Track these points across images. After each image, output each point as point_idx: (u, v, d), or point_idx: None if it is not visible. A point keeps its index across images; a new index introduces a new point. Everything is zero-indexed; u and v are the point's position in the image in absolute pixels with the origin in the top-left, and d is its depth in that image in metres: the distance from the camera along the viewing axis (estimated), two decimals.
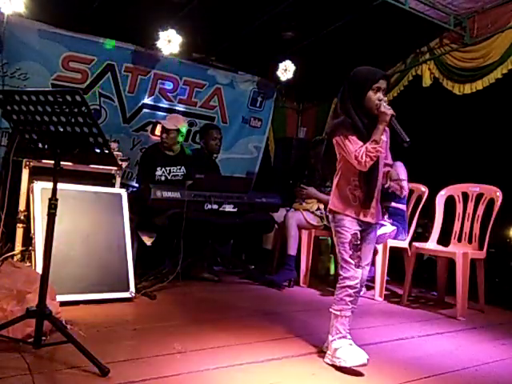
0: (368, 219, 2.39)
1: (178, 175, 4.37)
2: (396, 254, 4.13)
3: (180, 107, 5.25)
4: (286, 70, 5.29)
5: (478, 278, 3.68)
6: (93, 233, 3.19)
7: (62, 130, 2.10)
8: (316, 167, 4.56)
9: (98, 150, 2.15)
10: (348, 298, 2.32)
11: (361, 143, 2.26)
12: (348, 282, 2.33)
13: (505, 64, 4.14)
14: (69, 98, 1.98)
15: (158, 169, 4.29)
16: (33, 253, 3.00)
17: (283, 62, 5.27)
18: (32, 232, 3.02)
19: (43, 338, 2.16)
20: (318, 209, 4.37)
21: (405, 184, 3.98)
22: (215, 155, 4.99)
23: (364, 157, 2.23)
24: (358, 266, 2.34)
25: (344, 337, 2.32)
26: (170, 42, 4.59)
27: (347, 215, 2.36)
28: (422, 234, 4.57)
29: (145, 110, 5.07)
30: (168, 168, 4.33)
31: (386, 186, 2.42)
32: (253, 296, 3.86)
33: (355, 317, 2.47)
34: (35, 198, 3.04)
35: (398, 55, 5.05)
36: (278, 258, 4.59)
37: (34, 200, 3.04)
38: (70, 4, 4.16)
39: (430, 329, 3.16)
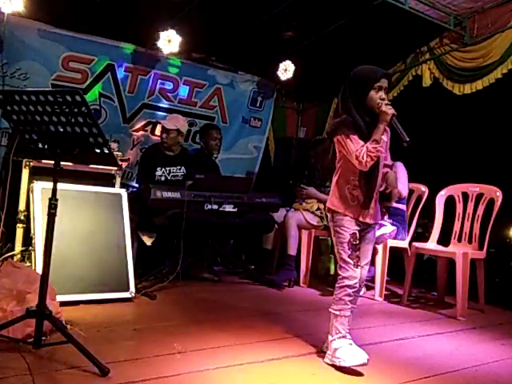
0: (366, 220, 2.38)
1: (177, 175, 4.37)
2: (396, 254, 4.13)
3: (180, 107, 5.25)
4: (286, 70, 5.29)
5: (478, 278, 3.68)
6: (93, 233, 3.19)
7: (62, 130, 2.10)
8: (316, 167, 4.56)
9: (98, 150, 2.15)
10: (347, 298, 2.32)
11: (362, 143, 2.25)
12: (347, 282, 2.33)
13: (505, 64, 4.14)
14: (69, 98, 1.99)
15: (158, 169, 4.29)
16: (33, 253, 3.00)
17: (283, 62, 5.26)
18: (32, 232, 3.02)
19: (43, 338, 2.16)
20: (318, 209, 4.37)
21: (401, 187, 3.97)
22: (215, 155, 4.99)
23: (365, 157, 2.22)
24: (356, 265, 2.34)
25: (344, 337, 2.32)
26: (170, 41, 4.58)
27: (346, 215, 2.36)
28: (422, 234, 4.57)
29: (145, 110, 5.07)
30: (168, 168, 4.33)
31: (381, 189, 2.41)
32: (253, 296, 3.86)
33: (355, 317, 2.48)
34: (35, 198, 3.04)
35: (398, 55, 5.05)
36: (278, 258, 4.59)
37: (34, 200, 3.04)
38: (69, 4, 4.16)
39: (430, 329, 3.16)
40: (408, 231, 4.17)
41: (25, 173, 3.26)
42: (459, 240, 3.90)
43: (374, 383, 2.21)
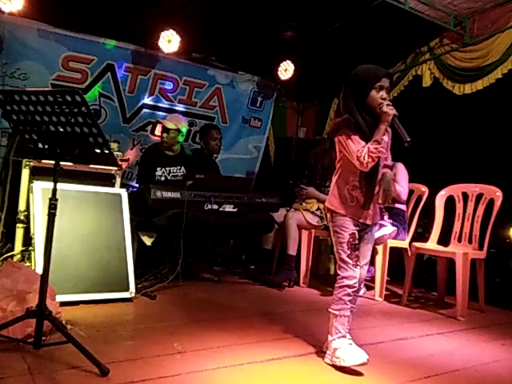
0: (365, 221, 2.38)
1: (177, 175, 4.37)
2: (396, 254, 4.13)
3: (180, 107, 5.25)
4: (286, 70, 5.29)
5: (477, 277, 3.68)
6: (93, 233, 3.20)
7: (61, 130, 2.11)
8: (316, 167, 4.56)
9: (98, 150, 2.15)
10: (347, 298, 2.32)
11: (363, 143, 2.25)
12: (346, 282, 2.32)
13: (505, 64, 4.14)
14: (69, 98, 1.99)
15: (158, 169, 4.29)
16: (33, 253, 3.00)
17: (283, 62, 5.27)
18: (32, 232, 3.03)
19: (43, 338, 2.16)
20: (318, 209, 4.37)
21: (401, 190, 3.96)
22: (215, 155, 4.99)
23: (366, 157, 2.21)
24: (356, 265, 2.34)
25: (343, 336, 2.32)
26: (169, 41, 4.59)
27: (345, 215, 2.36)
28: (422, 234, 4.56)
29: (145, 110, 5.07)
30: (168, 168, 4.33)
31: (375, 191, 2.39)
32: (253, 296, 3.85)
33: (355, 317, 2.48)
34: (35, 198, 3.04)
35: (398, 55, 5.04)
36: (278, 258, 4.59)
37: (34, 200, 3.04)
38: (69, 4, 4.16)
39: (430, 329, 3.16)
40: (408, 231, 4.17)
41: (25, 173, 3.27)
42: (459, 240, 3.90)
43: (373, 383, 2.21)
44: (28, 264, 3.02)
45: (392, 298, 4.05)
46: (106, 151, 2.15)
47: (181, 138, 4.37)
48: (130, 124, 4.99)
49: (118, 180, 3.67)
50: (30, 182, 3.15)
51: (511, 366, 2.58)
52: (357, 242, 2.36)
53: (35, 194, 3.04)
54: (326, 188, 4.29)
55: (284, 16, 4.49)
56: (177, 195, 3.73)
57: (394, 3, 4.05)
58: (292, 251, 4.24)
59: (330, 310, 2.37)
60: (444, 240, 3.98)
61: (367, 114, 2.29)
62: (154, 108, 5.12)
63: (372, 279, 4.10)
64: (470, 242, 3.82)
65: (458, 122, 4.58)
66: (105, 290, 3.11)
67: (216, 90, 5.46)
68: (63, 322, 2.43)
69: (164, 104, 5.17)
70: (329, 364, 2.32)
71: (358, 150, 2.24)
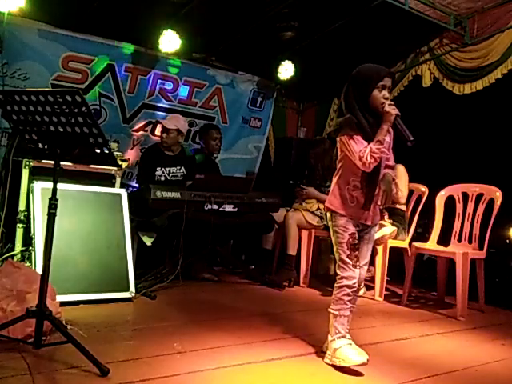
0: (365, 221, 2.38)
1: (177, 175, 4.37)
2: (396, 254, 4.13)
3: (180, 107, 5.25)
4: (286, 70, 5.29)
5: (477, 277, 3.68)
6: (93, 233, 3.19)
7: (61, 130, 2.10)
8: (316, 167, 4.56)
9: (98, 150, 2.15)
10: (346, 298, 2.32)
11: (365, 143, 2.24)
12: (346, 282, 2.32)
13: (505, 64, 4.14)
14: (69, 98, 1.99)
15: (158, 169, 4.29)
16: (33, 253, 3.00)
17: (283, 62, 5.27)
18: (32, 232, 3.02)
19: (43, 338, 2.16)
20: (318, 209, 4.37)
21: (400, 191, 3.96)
22: (215, 155, 4.99)
23: (369, 158, 2.20)
24: (355, 265, 2.34)
25: (343, 336, 2.32)
26: (170, 41, 4.58)
27: (344, 215, 2.35)
28: (422, 234, 4.57)
29: (145, 110, 5.07)
30: (168, 168, 4.33)
31: (376, 192, 2.38)
32: (253, 296, 3.86)
33: (355, 317, 2.48)
34: (35, 198, 3.04)
35: (398, 55, 5.04)
36: (278, 258, 4.59)
37: (34, 200, 3.04)
38: (69, 4, 4.16)
39: (430, 329, 3.16)
40: (408, 231, 4.17)
41: (25, 173, 3.26)
42: (459, 240, 3.90)
43: (373, 383, 2.21)
44: (28, 264, 3.02)
45: (392, 297, 4.05)
46: (106, 151, 2.15)
47: (181, 138, 4.37)
48: (130, 124, 4.99)
49: (118, 180, 3.67)
50: (30, 182, 3.15)
51: (511, 366, 2.58)
52: (356, 242, 2.36)
53: (35, 194, 3.04)
54: (326, 188, 4.29)
55: (284, 16, 4.50)
56: (177, 195, 3.73)
57: (394, 3, 4.05)
58: (292, 251, 4.24)
59: (329, 310, 2.37)
60: (444, 240, 3.98)
61: (369, 114, 2.28)
62: (154, 108, 5.12)
63: (372, 279, 4.10)
64: (469, 241, 3.82)
65: (457, 122, 4.58)
66: (105, 290, 3.11)
67: (216, 90, 5.46)
68: (63, 322, 2.42)
69: (164, 104, 5.17)
70: (329, 364, 2.32)
71: (360, 150, 2.22)
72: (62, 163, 2.21)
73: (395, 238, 4.06)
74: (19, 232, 3.24)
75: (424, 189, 4.17)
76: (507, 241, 4.23)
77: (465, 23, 4.46)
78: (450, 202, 4.01)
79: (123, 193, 3.44)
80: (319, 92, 5.95)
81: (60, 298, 2.67)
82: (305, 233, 4.34)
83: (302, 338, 2.70)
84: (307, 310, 3.49)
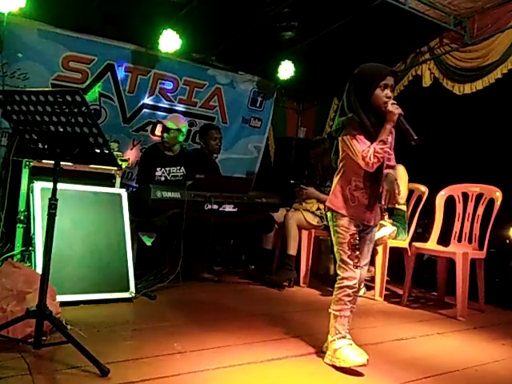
0: (366, 222, 2.38)
1: (177, 176, 4.37)
2: (396, 254, 4.13)
3: (180, 107, 5.25)
4: (286, 70, 5.29)
5: (477, 277, 3.69)
6: (93, 233, 3.19)
7: (61, 130, 2.10)
8: (316, 167, 4.57)
9: (98, 150, 2.15)
10: (347, 298, 2.32)
11: (368, 143, 2.23)
12: (346, 282, 2.32)
13: (505, 64, 4.14)
14: (69, 98, 1.98)
15: (158, 169, 4.29)
16: (33, 253, 3.00)
17: (283, 62, 5.27)
18: (32, 232, 3.02)
19: (43, 338, 2.16)
20: (318, 209, 4.37)
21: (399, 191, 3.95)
22: (215, 155, 4.99)
23: (372, 158, 2.19)
24: (356, 266, 2.33)
25: (344, 337, 2.32)
26: (170, 41, 4.58)
27: (345, 215, 2.35)
28: (422, 234, 4.57)
29: (145, 110, 5.07)
30: (168, 168, 4.33)
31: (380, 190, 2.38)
32: (253, 296, 3.86)
33: (355, 317, 2.48)
34: (35, 198, 3.04)
35: (398, 55, 5.04)
36: (278, 258, 4.59)
37: (34, 200, 3.04)
38: (69, 4, 4.16)
39: (430, 329, 3.15)
40: (408, 231, 4.17)
41: (25, 173, 3.26)
42: (459, 240, 3.90)
43: (373, 383, 2.21)
44: (28, 264, 3.02)
45: (392, 297, 4.05)
46: (106, 151, 2.15)
47: (181, 138, 4.37)
48: (129, 124, 4.99)
49: (118, 180, 3.67)
50: (30, 182, 3.15)
51: (511, 366, 2.58)
52: (357, 242, 2.35)
53: (35, 194, 3.04)
54: (326, 188, 4.29)
55: (284, 16, 4.49)
56: (177, 195, 3.73)
57: (394, 3, 4.05)
58: (292, 251, 4.24)
59: (330, 310, 2.37)
60: (444, 240, 3.98)
61: (372, 113, 2.26)
62: (154, 108, 5.12)
63: (372, 279, 4.10)
64: (469, 241, 3.82)
65: (457, 122, 4.57)
66: (105, 290, 3.11)
67: (216, 90, 5.46)
68: (63, 322, 2.42)
69: (164, 104, 5.17)
70: (329, 364, 2.32)
71: (363, 150, 2.21)
72: (61, 163, 2.21)
73: (395, 238, 4.06)
74: (19, 232, 3.23)
75: (424, 189, 4.17)
76: (507, 241, 4.23)
77: (465, 23, 4.46)
78: (450, 202, 4.01)
79: (123, 193, 3.44)
80: (319, 92, 5.95)
81: (60, 298, 2.66)
82: (305, 233, 4.33)
83: (301, 338, 2.70)
84: (307, 310, 3.49)
